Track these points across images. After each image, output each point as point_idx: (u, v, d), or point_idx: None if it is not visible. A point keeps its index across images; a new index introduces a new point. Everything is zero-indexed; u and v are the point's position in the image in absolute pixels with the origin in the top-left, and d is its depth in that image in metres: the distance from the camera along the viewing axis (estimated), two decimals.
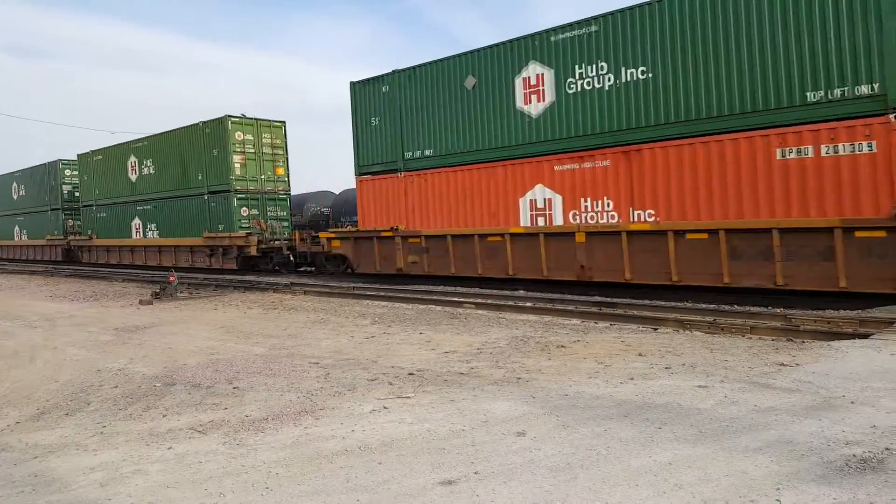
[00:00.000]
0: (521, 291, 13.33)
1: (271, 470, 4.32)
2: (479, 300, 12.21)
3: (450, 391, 6.11)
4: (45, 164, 31.06)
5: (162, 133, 23.99)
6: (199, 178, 22.09)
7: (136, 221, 25.43)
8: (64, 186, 30.14)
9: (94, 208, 27.75)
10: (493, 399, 5.77)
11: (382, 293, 14.04)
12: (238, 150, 21.03)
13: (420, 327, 10.02)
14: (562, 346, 8.03)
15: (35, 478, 4.38)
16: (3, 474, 4.48)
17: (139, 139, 25.38)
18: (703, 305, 10.29)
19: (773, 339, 7.99)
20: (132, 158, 25.40)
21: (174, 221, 23.46)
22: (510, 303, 11.80)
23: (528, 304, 11.66)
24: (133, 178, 25.45)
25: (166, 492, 4.04)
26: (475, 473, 4.09)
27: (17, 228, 34.08)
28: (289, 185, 22.59)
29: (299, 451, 4.66)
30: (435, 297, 12.95)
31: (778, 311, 9.52)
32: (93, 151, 27.70)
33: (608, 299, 11.35)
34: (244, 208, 21.13)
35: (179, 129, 23.02)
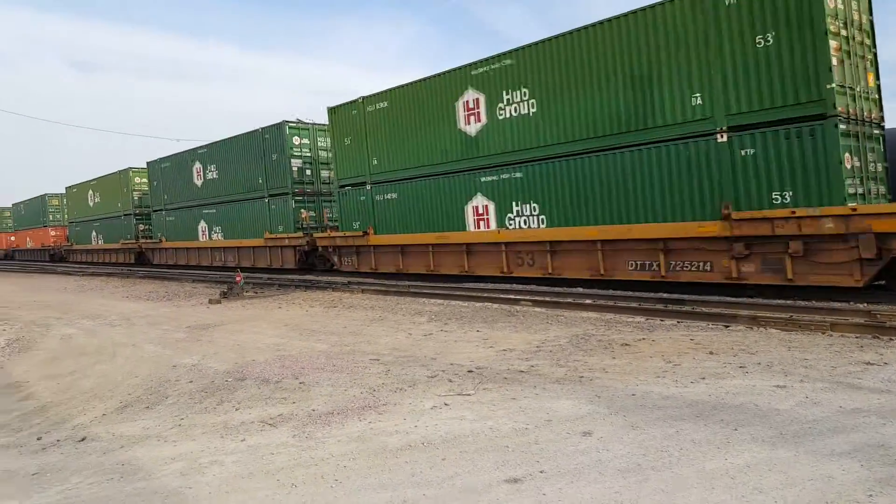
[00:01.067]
0: (580, 289, 13.13)
1: (339, 463, 4.39)
2: (537, 297, 12.07)
3: (510, 389, 6.06)
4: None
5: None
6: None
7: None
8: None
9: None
10: (555, 398, 5.69)
11: (438, 291, 14.08)
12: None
13: (477, 325, 10.00)
14: (626, 345, 7.85)
15: (122, 466, 4.60)
16: (93, 463, 4.73)
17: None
18: (778, 302, 9.86)
19: (856, 337, 7.57)
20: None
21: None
22: (569, 300, 11.62)
23: (588, 301, 11.45)
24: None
25: (241, 482, 4.16)
26: (541, 472, 4.04)
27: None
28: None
29: (365, 445, 4.72)
30: (491, 295, 12.90)
31: (861, 306, 9.02)
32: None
33: (674, 296, 11.02)
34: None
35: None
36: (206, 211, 26.12)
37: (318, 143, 22.27)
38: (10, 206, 53.84)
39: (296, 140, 21.86)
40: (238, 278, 16.67)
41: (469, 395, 5.95)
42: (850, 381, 5.66)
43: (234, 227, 24.67)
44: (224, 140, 24.92)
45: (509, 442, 4.62)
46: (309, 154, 22.12)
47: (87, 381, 7.54)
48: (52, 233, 44.24)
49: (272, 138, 22.16)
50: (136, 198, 31.44)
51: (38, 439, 5.41)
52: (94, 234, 36.10)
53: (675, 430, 4.67)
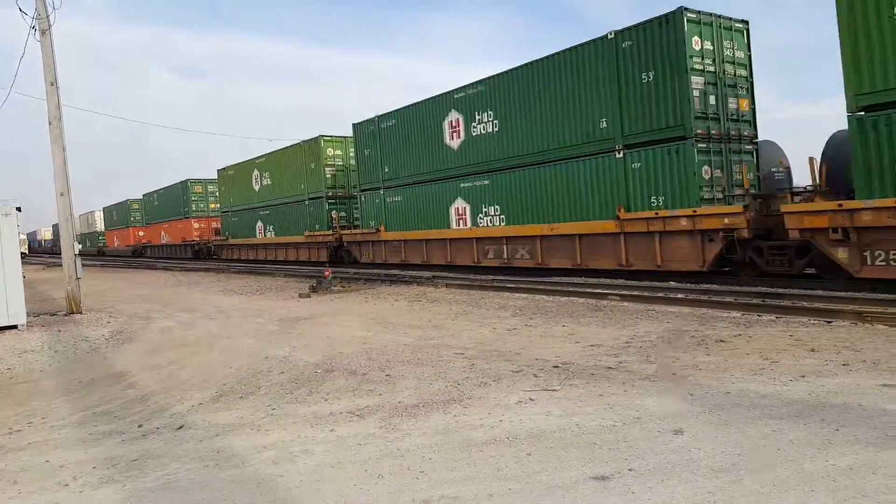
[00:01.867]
0: (673, 283, 12.71)
1: (425, 455, 4.45)
2: (625, 292, 11.78)
3: (597, 385, 5.95)
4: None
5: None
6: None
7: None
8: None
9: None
10: (645, 395, 5.54)
11: (522, 285, 14.01)
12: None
13: (562, 320, 9.87)
14: (720, 341, 7.53)
15: (217, 454, 4.86)
16: (190, 450, 5.01)
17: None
18: (884, 296, 9.19)
19: None
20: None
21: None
22: (660, 294, 11.27)
23: (680, 295, 11.07)
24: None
25: (331, 471, 4.30)
26: (630, 470, 3.95)
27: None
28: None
29: (449, 438, 4.76)
30: (577, 289, 12.70)
31: None
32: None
33: (773, 290, 10.48)
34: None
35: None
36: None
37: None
38: (141, 196, 50.69)
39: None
40: (326, 273, 17.21)
41: (555, 390, 5.89)
42: None
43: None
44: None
45: (596, 439, 4.54)
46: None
47: (185, 371, 7.99)
48: (196, 224, 40.18)
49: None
50: (328, 176, 26.32)
51: (139, 427, 5.77)
52: (259, 224, 31.88)
53: (773, 429, 4.45)
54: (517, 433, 4.78)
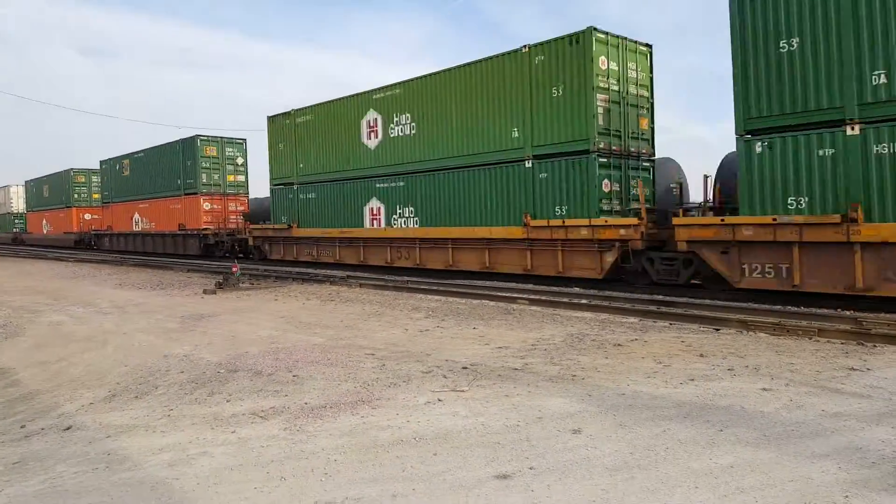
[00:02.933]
0: (577, 289, 13.21)
1: (330, 456, 4.42)
2: (534, 296, 12.14)
3: (504, 386, 6.10)
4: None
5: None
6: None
7: (375, 204, 20.83)
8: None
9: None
10: (547, 395, 5.74)
11: (435, 287, 14.14)
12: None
13: (473, 322, 10.04)
14: (619, 345, 7.91)
15: (108, 456, 4.61)
16: (79, 452, 4.73)
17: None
18: (768, 307, 9.95)
19: (842, 343, 7.65)
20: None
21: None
22: (565, 300, 11.69)
23: (584, 301, 11.52)
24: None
25: (230, 474, 4.19)
26: (530, 469, 4.08)
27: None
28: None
29: (357, 440, 4.75)
30: (488, 293, 12.96)
31: (847, 313, 9.13)
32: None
33: (668, 298, 11.11)
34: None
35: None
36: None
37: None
38: (99, 166, 37.18)
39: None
40: (234, 268, 16.66)
41: (463, 391, 5.99)
42: (834, 386, 5.73)
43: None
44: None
45: (500, 438, 4.66)
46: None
47: (76, 368, 7.53)
48: (208, 205, 27.82)
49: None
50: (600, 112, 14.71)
51: (22, 427, 5.40)
52: (375, 204, 19.58)
53: (663, 429, 4.73)
54: (424, 434, 4.83)
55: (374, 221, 19.31)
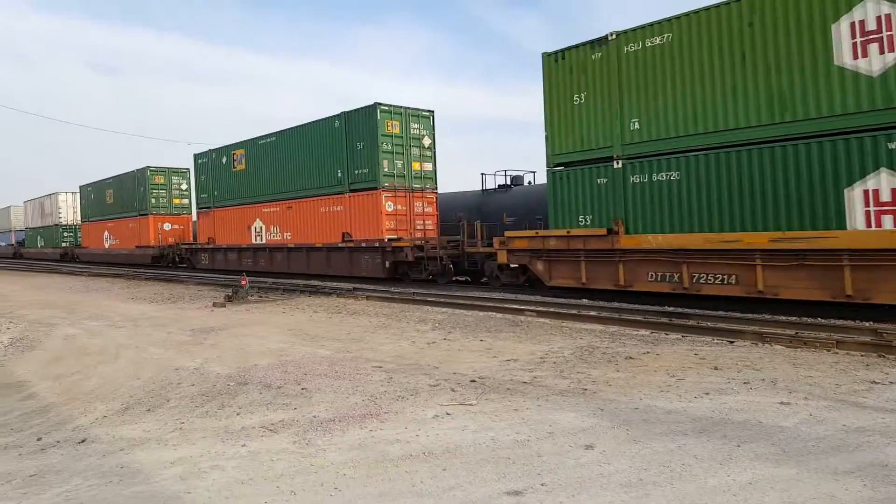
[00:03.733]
0: (585, 301, 13.11)
1: (339, 471, 4.37)
2: (541, 308, 12.06)
3: (513, 400, 6.04)
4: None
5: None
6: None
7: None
8: None
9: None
10: (558, 410, 5.67)
11: (442, 299, 14.09)
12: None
13: (480, 334, 9.98)
14: (630, 358, 7.82)
15: (121, 469, 4.59)
16: (93, 465, 4.72)
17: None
18: (784, 318, 9.82)
19: (861, 355, 7.52)
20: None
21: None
22: (573, 311, 11.60)
23: (593, 313, 11.43)
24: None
25: (241, 487, 4.15)
26: (542, 485, 4.01)
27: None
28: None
29: (365, 454, 4.70)
30: (495, 304, 12.89)
31: (866, 325, 8.98)
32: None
33: (680, 310, 11.00)
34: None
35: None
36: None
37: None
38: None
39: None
40: (243, 282, 16.70)
41: (471, 404, 5.93)
42: (855, 400, 5.62)
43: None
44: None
45: (511, 453, 4.59)
46: None
47: (90, 382, 7.54)
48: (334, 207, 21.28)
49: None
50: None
51: (38, 440, 5.41)
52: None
53: (678, 445, 4.64)
54: (433, 448, 4.77)
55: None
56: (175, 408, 6.23)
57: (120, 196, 35.73)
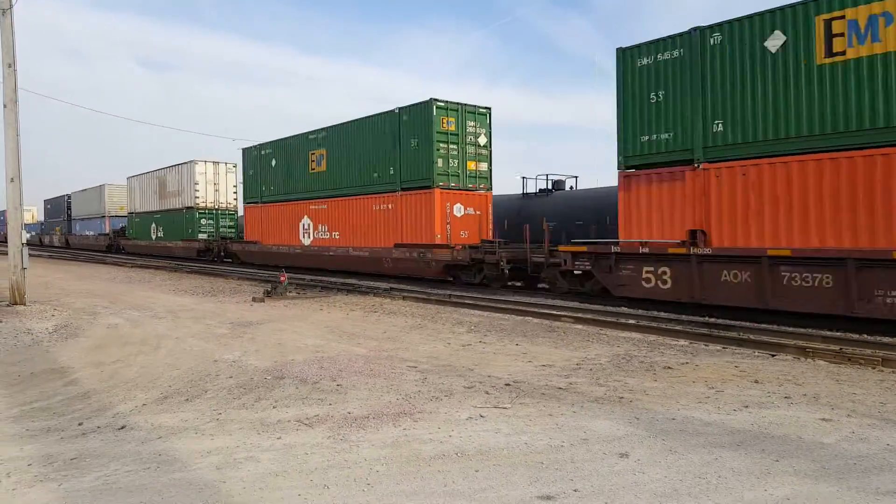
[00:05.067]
0: (624, 308, 12.94)
1: (372, 467, 4.42)
2: (579, 314, 11.95)
3: (548, 405, 6.00)
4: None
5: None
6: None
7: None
8: None
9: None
10: (593, 417, 5.62)
11: (480, 302, 14.08)
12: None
13: (516, 339, 9.94)
14: (668, 368, 7.70)
15: (159, 456, 4.72)
16: (132, 451, 4.86)
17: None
18: (828, 332, 9.54)
19: None
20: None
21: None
22: (611, 318, 11.47)
23: (632, 321, 11.28)
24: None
25: (275, 479, 4.22)
26: (574, 491, 3.99)
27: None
28: None
29: (398, 451, 4.73)
30: (532, 309, 12.82)
31: None
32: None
33: (720, 321, 10.78)
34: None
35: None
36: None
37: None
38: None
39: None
40: (283, 278, 16.97)
41: (505, 408, 5.92)
42: None
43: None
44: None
45: (544, 458, 4.57)
46: None
47: (130, 370, 7.76)
48: None
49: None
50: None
51: (80, 425, 5.57)
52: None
53: (715, 457, 4.56)
54: (466, 449, 4.78)
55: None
56: (213, 399, 6.37)
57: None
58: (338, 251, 21.89)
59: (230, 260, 30.02)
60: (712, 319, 11.02)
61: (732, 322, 10.60)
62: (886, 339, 8.97)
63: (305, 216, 23.98)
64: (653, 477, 4.20)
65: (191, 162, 32.24)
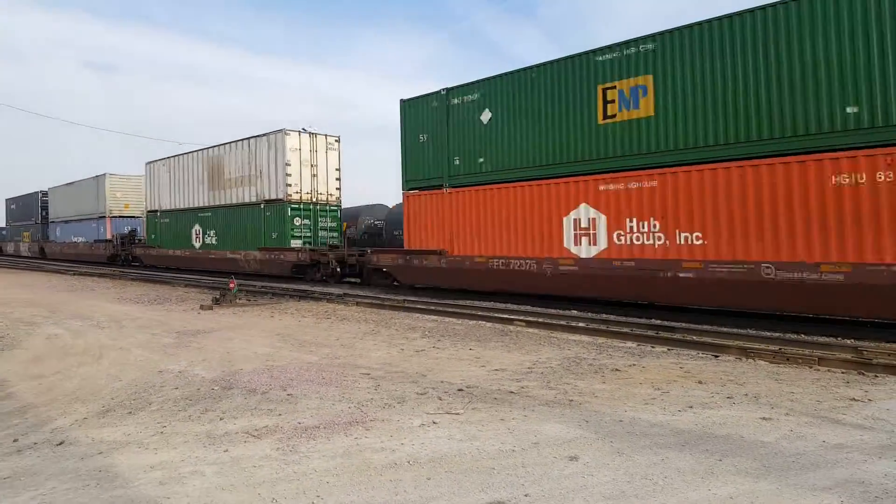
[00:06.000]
0: (574, 311, 13.15)
1: (322, 478, 4.35)
2: (531, 318, 12.08)
3: (500, 409, 6.04)
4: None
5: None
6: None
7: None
8: None
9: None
10: (544, 420, 5.68)
11: (433, 307, 14.08)
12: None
13: (470, 343, 9.98)
14: (616, 370, 7.85)
15: (99, 472, 4.55)
16: (71, 467, 4.67)
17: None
18: (767, 333, 9.90)
19: (843, 372, 7.60)
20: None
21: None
22: (562, 322, 11.64)
23: (581, 324, 11.47)
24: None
25: (221, 494, 4.12)
26: (525, 496, 4.02)
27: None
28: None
29: (350, 461, 4.68)
30: (485, 314, 12.89)
31: (848, 342, 9.07)
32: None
33: (666, 323, 11.06)
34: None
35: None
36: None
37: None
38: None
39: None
40: (231, 284, 16.61)
41: (458, 413, 5.93)
42: (835, 417, 5.67)
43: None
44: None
45: (495, 463, 4.60)
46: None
47: (70, 382, 7.46)
48: None
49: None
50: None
51: (15, 441, 5.33)
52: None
53: (661, 458, 4.66)
54: (418, 457, 4.76)
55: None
56: (157, 411, 6.18)
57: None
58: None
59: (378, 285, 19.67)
60: (658, 321, 11.29)
61: (676, 324, 10.89)
62: (823, 340, 9.35)
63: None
64: (601, 479, 4.27)
65: (279, 132, 22.14)
